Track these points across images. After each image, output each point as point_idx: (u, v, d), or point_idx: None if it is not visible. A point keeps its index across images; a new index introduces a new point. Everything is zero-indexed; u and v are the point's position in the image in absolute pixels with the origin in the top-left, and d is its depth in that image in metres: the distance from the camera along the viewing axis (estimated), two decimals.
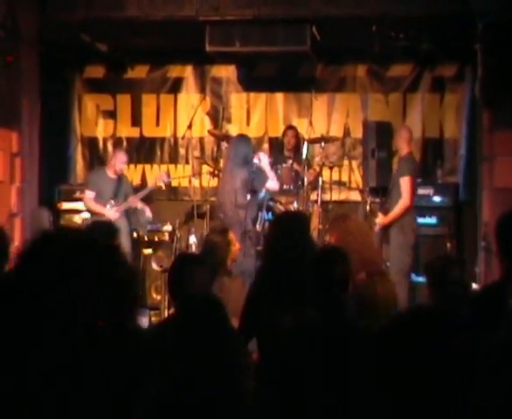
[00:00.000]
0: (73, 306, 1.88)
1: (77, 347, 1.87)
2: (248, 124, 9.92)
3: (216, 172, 8.83)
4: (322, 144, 8.84)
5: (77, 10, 8.10)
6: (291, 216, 5.63)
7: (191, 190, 9.05)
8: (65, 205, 9.30)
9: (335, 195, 9.26)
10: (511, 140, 7.35)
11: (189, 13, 8.03)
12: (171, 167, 10.00)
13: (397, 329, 1.67)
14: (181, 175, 9.78)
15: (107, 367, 1.90)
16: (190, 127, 8.90)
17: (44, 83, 8.56)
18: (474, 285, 6.60)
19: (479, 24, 7.22)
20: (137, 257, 8.58)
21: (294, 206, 8.36)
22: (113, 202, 8.33)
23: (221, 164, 8.90)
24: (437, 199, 8.77)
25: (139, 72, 9.98)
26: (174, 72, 10.01)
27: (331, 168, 8.97)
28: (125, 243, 7.75)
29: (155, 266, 8.62)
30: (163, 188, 9.01)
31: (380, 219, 7.76)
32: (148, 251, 8.78)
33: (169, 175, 9.44)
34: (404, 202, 7.56)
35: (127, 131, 10.11)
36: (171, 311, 5.87)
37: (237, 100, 9.95)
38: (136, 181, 9.80)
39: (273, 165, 8.18)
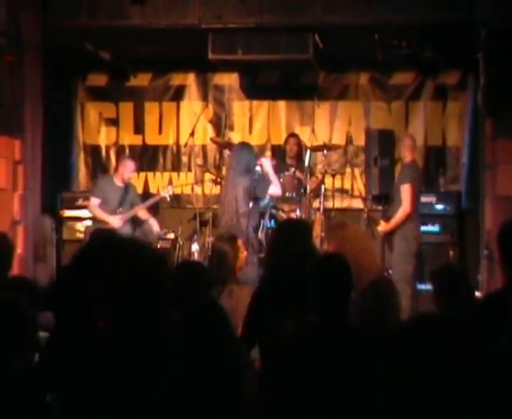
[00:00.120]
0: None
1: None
2: (250, 132, 9.92)
3: (218, 180, 8.82)
4: (325, 152, 8.83)
5: (80, 19, 8.13)
6: (293, 223, 5.62)
7: (194, 198, 9.04)
8: (68, 213, 9.30)
9: (338, 203, 9.25)
10: None
11: (191, 21, 8.05)
12: (174, 174, 10.01)
13: (403, 336, 1.68)
14: (183, 183, 9.79)
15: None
16: (192, 134, 8.89)
17: (47, 91, 8.58)
18: (477, 293, 6.58)
19: (481, 32, 7.23)
20: None
21: (297, 214, 8.36)
22: (121, 210, 8.33)
23: (223, 172, 8.89)
24: (439, 207, 8.77)
25: (142, 79, 9.99)
26: (176, 79, 10.02)
27: (333, 176, 8.97)
28: None
29: None
30: (169, 200, 9.01)
31: (382, 227, 7.76)
32: None
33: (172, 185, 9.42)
34: (404, 209, 7.54)
35: (129, 139, 10.12)
36: None
37: (239, 108, 9.96)
38: (139, 189, 9.78)
39: (277, 168, 8.16)
